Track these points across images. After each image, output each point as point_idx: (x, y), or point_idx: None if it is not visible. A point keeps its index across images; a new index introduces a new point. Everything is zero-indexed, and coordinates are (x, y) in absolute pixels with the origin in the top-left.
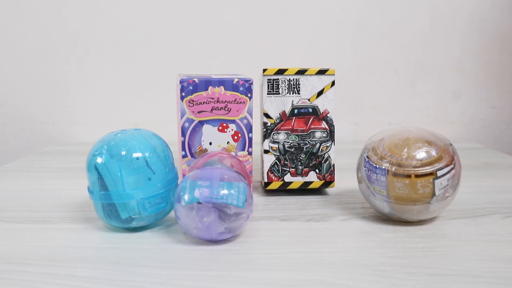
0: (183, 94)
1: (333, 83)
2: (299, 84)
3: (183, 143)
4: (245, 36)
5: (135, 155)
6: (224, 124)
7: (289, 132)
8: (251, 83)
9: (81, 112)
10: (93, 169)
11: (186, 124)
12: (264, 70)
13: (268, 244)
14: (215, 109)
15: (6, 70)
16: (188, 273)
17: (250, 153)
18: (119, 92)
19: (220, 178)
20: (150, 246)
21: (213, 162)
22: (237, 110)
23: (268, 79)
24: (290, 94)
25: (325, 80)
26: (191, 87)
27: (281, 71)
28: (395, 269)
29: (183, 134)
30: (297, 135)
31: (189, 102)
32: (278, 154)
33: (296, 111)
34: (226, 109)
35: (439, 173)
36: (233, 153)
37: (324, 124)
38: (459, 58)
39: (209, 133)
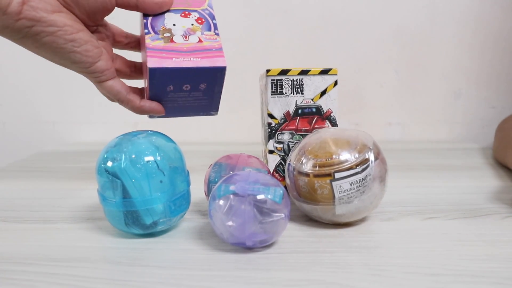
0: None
1: (335, 83)
2: (303, 84)
3: (145, 24)
4: (244, 37)
5: (157, 158)
6: (186, 12)
7: (294, 132)
8: None
9: (81, 112)
10: (113, 175)
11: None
12: (268, 71)
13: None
14: (177, 3)
15: (6, 70)
16: (188, 273)
17: (217, 34)
18: None
19: (255, 179)
20: (150, 246)
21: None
22: (198, 2)
23: (272, 80)
24: (293, 94)
25: (328, 80)
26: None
27: (284, 72)
28: (395, 269)
29: (146, 17)
30: (302, 135)
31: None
32: (283, 154)
33: (300, 111)
34: (187, 4)
35: (337, 175)
36: (199, 33)
37: (327, 124)
38: (459, 58)
39: (172, 17)
